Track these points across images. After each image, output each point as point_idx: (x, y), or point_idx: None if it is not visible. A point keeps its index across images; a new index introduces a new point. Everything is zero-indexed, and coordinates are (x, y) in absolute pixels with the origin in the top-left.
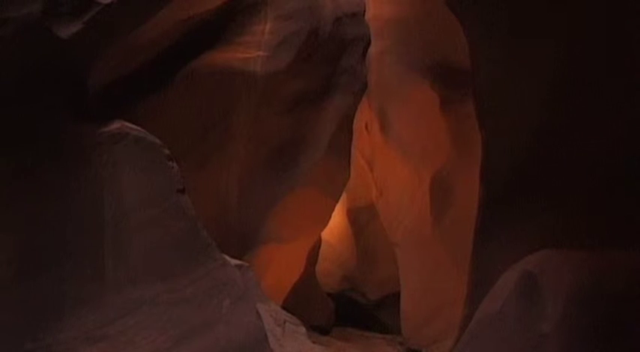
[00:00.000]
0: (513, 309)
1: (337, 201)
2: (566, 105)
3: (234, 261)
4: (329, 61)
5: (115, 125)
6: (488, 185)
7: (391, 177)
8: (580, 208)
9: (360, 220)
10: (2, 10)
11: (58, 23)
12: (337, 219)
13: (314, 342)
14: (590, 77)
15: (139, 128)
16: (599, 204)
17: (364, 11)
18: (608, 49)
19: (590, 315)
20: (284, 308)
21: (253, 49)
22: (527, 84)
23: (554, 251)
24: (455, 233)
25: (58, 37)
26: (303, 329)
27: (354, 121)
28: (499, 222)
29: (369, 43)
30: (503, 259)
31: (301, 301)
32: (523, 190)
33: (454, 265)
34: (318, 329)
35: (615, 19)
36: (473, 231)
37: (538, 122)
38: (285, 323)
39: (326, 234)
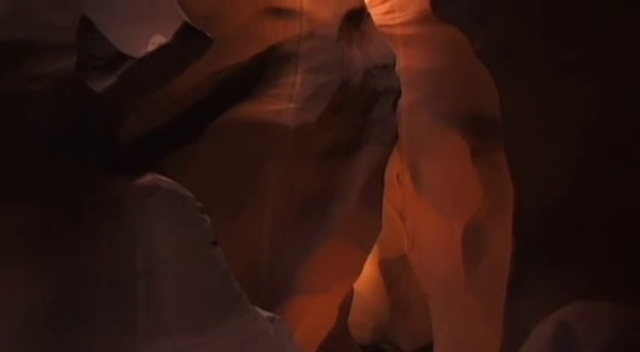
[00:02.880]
0: None
1: (369, 253)
2: (598, 155)
3: (266, 314)
4: (360, 112)
5: (148, 178)
6: (521, 235)
7: (423, 228)
8: (613, 258)
9: (393, 271)
10: (39, 64)
11: (92, 77)
12: (369, 270)
13: None
14: (622, 126)
15: (171, 181)
16: (633, 254)
17: (394, 63)
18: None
19: None
20: None
21: (284, 101)
22: (558, 134)
23: (589, 302)
24: (488, 283)
25: (91, 91)
26: None
27: (386, 172)
28: (532, 273)
29: (399, 95)
30: (537, 310)
31: None
32: (556, 240)
33: (488, 316)
34: None
35: None
36: (506, 282)
37: (570, 172)
38: None
39: (358, 285)
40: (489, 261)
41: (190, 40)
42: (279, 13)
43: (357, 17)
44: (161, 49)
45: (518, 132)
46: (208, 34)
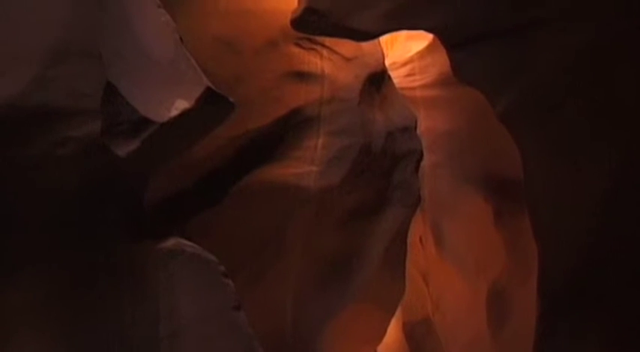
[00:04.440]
0: None
1: (392, 316)
2: (621, 215)
3: None
4: (382, 175)
5: (171, 242)
6: (546, 298)
7: (447, 291)
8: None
9: (416, 334)
10: (64, 129)
11: (116, 142)
12: (393, 333)
13: None
14: None
15: (194, 245)
16: None
17: (416, 125)
18: None
19: None
20: None
21: (307, 164)
22: (581, 196)
23: None
24: (513, 347)
25: (115, 156)
26: None
27: (409, 235)
28: (558, 335)
29: (421, 157)
30: None
31: None
32: (581, 302)
33: None
34: None
35: None
36: (531, 345)
37: (592, 234)
38: None
39: (382, 348)
40: (514, 324)
41: (213, 105)
42: (301, 76)
43: (378, 80)
44: (184, 114)
45: (541, 194)
46: (231, 99)
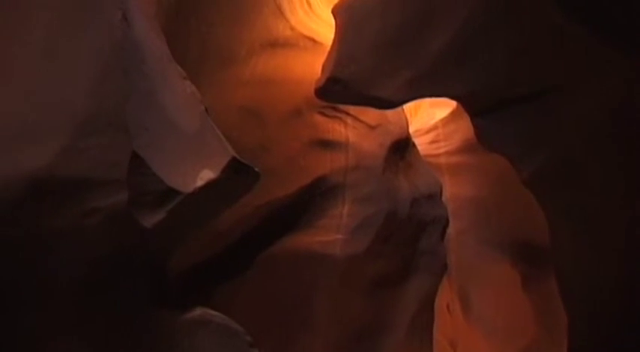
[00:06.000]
0: None
1: None
2: None
3: None
4: (408, 242)
5: (198, 311)
6: None
7: None
8: None
9: None
10: (92, 200)
11: (142, 212)
12: None
13: None
14: None
15: (221, 315)
16: None
17: (441, 192)
18: None
19: None
20: None
21: (332, 232)
22: (608, 261)
23: None
24: None
25: (141, 226)
26: None
27: (435, 302)
28: None
29: (447, 224)
30: None
31: None
32: None
33: None
34: None
35: None
36: None
37: (622, 300)
38: None
39: None
40: None
41: (239, 175)
42: (326, 145)
43: (403, 147)
44: (210, 184)
45: (568, 259)
46: (256, 169)
